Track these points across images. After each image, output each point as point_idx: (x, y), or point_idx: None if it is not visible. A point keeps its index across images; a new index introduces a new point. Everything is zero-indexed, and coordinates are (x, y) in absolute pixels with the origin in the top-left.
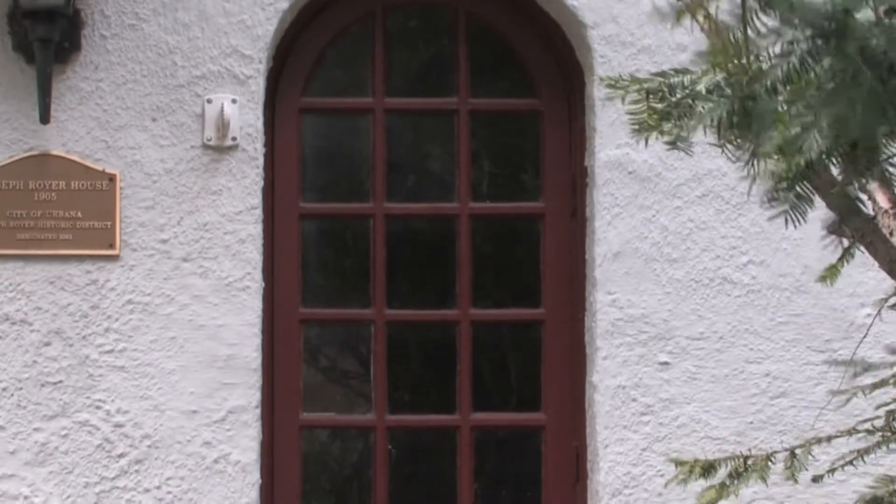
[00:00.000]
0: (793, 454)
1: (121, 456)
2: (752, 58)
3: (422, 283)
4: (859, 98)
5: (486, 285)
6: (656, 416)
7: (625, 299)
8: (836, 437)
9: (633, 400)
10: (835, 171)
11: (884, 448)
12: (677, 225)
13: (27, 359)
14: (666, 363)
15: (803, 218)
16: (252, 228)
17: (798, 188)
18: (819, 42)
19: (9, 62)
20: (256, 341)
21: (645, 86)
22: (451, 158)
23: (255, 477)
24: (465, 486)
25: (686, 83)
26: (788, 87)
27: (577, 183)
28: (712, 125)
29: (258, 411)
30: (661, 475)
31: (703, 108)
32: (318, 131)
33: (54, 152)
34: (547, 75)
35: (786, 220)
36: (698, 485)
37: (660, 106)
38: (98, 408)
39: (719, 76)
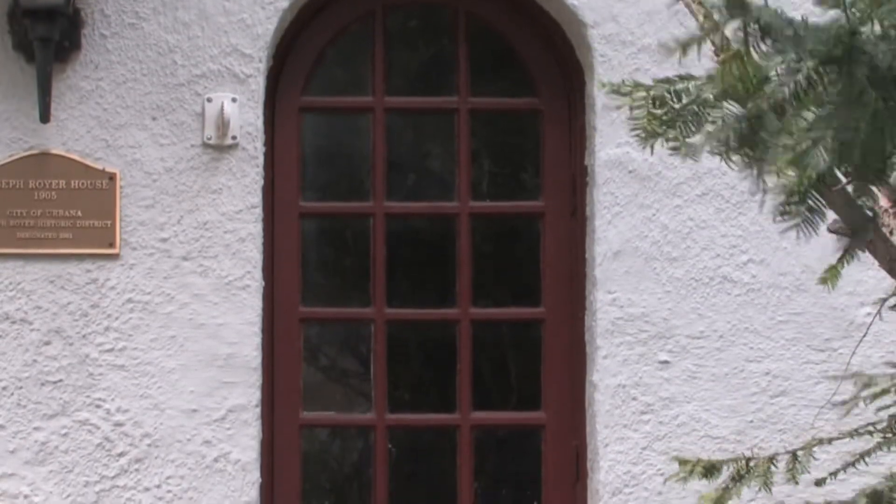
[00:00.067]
0: (794, 456)
1: (121, 455)
2: (758, 80)
3: (422, 282)
4: (863, 118)
5: (486, 284)
6: (656, 414)
7: (625, 298)
8: (838, 438)
9: (634, 399)
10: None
11: (884, 449)
12: (677, 224)
13: (27, 358)
14: (666, 362)
15: (815, 230)
16: (252, 227)
17: (810, 201)
18: (825, 68)
19: (9, 61)
20: (256, 340)
21: (651, 93)
22: (451, 157)
23: (255, 476)
24: (465, 485)
25: (692, 89)
26: (795, 104)
27: (577, 182)
28: (720, 144)
29: (258, 410)
30: (661, 474)
31: (710, 127)
32: (318, 130)
33: (54, 151)
34: (547, 74)
35: (798, 233)
36: (698, 483)
37: (660, 111)
38: (98, 407)
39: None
